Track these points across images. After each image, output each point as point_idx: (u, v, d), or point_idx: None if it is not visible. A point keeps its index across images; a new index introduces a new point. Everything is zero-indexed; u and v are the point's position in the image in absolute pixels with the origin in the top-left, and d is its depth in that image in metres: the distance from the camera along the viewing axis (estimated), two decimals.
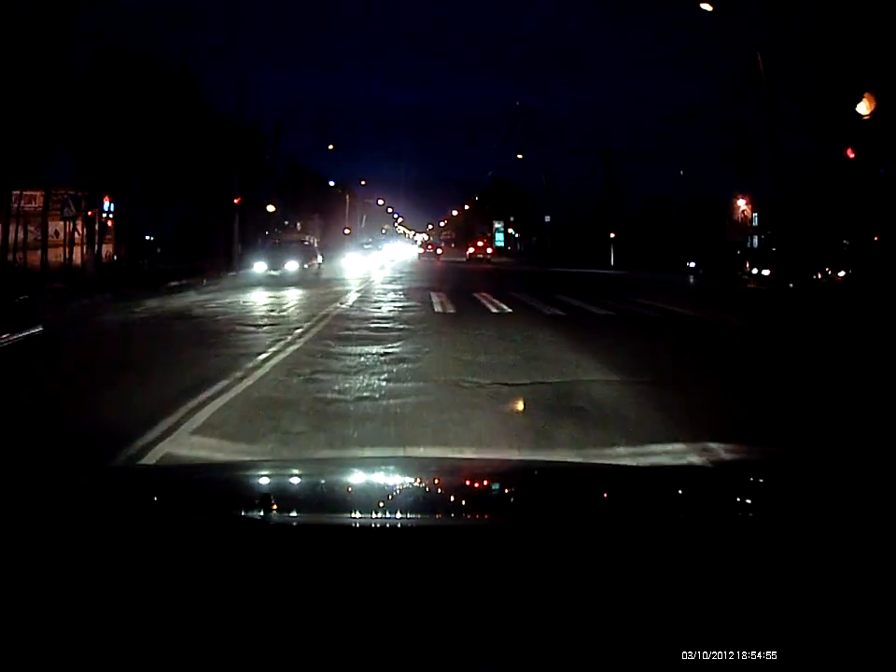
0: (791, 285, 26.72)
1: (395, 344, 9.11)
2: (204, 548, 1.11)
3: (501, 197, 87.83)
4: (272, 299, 16.53)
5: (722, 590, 1.02)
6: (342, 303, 15.36)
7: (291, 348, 8.84)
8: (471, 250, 49.40)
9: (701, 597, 1.02)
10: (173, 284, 21.40)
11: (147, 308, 14.25)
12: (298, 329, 10.66)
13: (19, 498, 1.35)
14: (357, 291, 19.50)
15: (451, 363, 7.85)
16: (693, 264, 38.45)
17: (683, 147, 66.68)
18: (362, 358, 8.15)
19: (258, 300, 16.45)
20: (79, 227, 26.76)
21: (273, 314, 13.28)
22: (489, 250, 52.35)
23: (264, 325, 11.33)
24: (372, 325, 11.27)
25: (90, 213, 26.55)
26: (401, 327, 11.04)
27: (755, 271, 34.98)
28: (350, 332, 10.36)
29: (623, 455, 4.48)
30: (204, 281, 22.99)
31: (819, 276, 32.33)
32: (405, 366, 7.67)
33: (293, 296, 17.31)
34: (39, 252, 24.31)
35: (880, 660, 0.92)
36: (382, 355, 8.35)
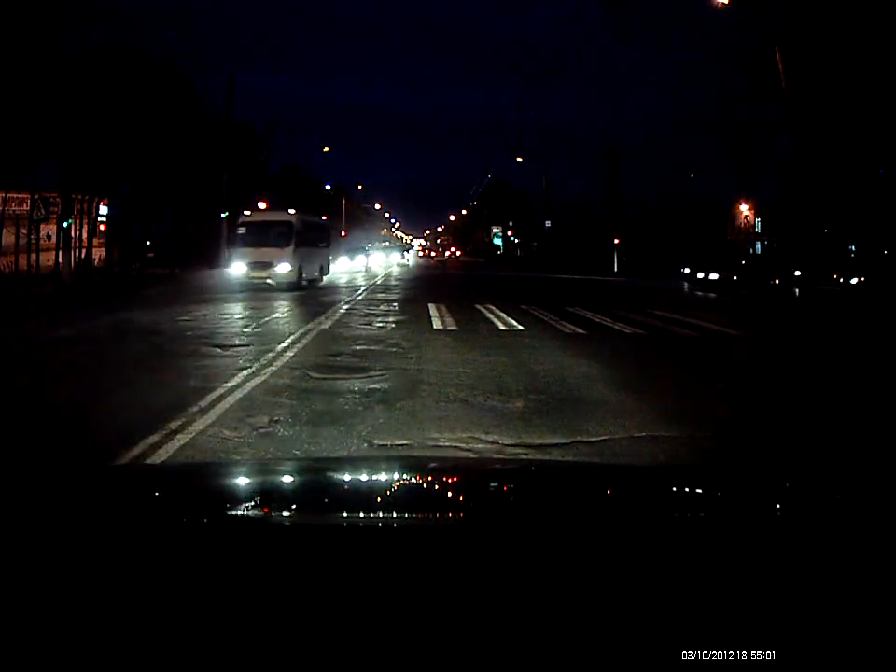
0: (797, 290, 25.33)
1: (381, 376, 7.18)
2: (204, 548, 1.10)
3: (500, 200, 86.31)
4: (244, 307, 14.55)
5: (719, 590, 1.00)
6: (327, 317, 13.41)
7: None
8: (447, 253, 75.57)
9: (699, 598, 1.00)
10: (147, 292, 20.13)
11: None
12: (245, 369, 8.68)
13: (19, 498, 1.36)
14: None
15: (456, 408, 5.90)
16: (701, 274, 36.73)
17: (684, 152, 65.55)
18: (340, 399, 6.21)
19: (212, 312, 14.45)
20: (53, 230, 25.22)
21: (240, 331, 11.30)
22: (458, 253, 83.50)
23: (232, 343, 9.39)
24: (358, 347, 9.34)
25: (52, 216, 24.48)
26: (392, 350, 9.09)
27: (777, 280, 33.29)
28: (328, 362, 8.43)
29: None
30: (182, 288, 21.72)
31: (835, 283, 30.73)
32: (392, 413, 5.73)
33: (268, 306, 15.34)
34: (32, 256, 23.50)
35: (880, 660, 0.91)
36: (366, 395, 6.41)
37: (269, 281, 20.13)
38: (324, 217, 30.97)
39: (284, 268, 20.13)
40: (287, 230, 20.85)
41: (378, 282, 27.66)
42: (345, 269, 37.36)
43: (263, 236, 20.51)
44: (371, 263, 44.79)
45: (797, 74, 27.72)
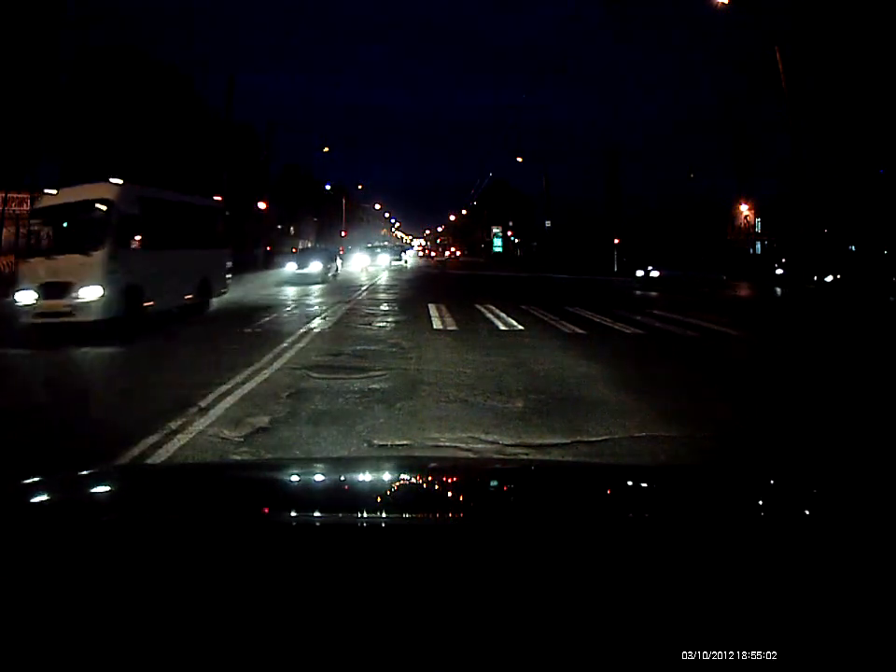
0: (778, 289, 25.36)
1: (380, 376, 7.18)
2: (203, 548, 1.10)
3: (500, 200, 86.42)
4: None
5: (718, 590, 1.01)
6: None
7: None
8: (447, 253, 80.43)
9: (698, 597, 1.00)
10: None
11: None
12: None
13: (17, 499, 1.36)
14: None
15: (456, 408, 5.90)
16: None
17: (684, 152, 65.79)
18: (340, 399, 6.20)
19: None
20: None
21: None
22: (458, 253, 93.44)
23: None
24: (347, 346, 9.33)
25: None
26: (391, 350, 9.10)
27: (764, 278, 33.44)
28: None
29: None
30: None
31: (812, 280, 30.91)
32: (392, 413, 5.73)
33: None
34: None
35: (880, 660, 0.91)
36: (364, 395, 6.41)
37: (70, 318, 10.45)
38: (216, 197, 17.59)
39: (90, 292, 10.50)
40: (99, 218, 10.99)
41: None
42: (289, 277, 24.69)
43: (62, 234, 11.29)
44: (352, 269, 34.72)
45: (797, 74, 27.69)
